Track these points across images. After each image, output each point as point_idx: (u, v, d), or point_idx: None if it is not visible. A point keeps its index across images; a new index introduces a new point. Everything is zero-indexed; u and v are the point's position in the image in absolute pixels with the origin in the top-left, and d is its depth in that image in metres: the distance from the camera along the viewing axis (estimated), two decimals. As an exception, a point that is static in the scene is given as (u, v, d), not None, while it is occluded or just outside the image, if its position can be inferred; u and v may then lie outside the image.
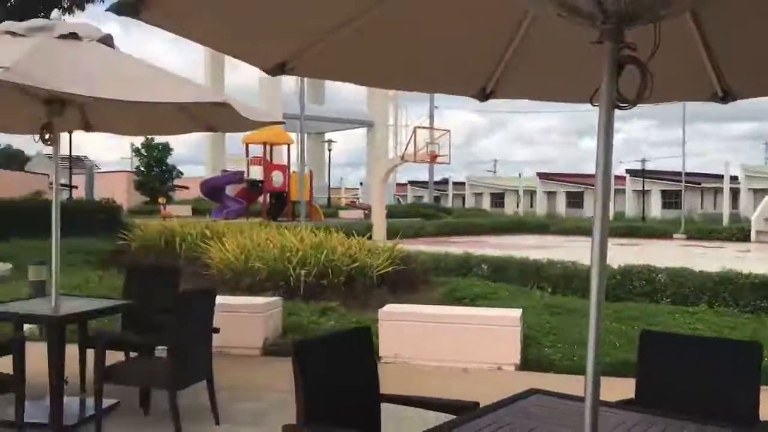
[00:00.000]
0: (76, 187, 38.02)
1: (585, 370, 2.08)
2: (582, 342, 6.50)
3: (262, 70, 3.00)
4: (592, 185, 2.16)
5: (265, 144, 29.86)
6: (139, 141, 48.76)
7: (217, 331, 4.74)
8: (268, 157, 30.57)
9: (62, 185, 50.15)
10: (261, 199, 30.76)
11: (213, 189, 31.50)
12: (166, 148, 46.52)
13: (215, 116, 5.33)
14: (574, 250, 14.58)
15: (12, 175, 47.67)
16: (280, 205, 30.73)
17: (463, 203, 69.78)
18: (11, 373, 4.34)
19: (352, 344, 3.05)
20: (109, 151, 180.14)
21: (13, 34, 4.47)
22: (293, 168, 31.94)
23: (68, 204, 24.19)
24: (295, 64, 2.99)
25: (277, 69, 2.99)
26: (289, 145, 32.29)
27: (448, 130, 27.36)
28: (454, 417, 2.63)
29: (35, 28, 4.53)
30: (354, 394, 2.96)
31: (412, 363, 6.14)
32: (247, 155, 31.13)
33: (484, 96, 3.45)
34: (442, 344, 6.22)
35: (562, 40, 2.83)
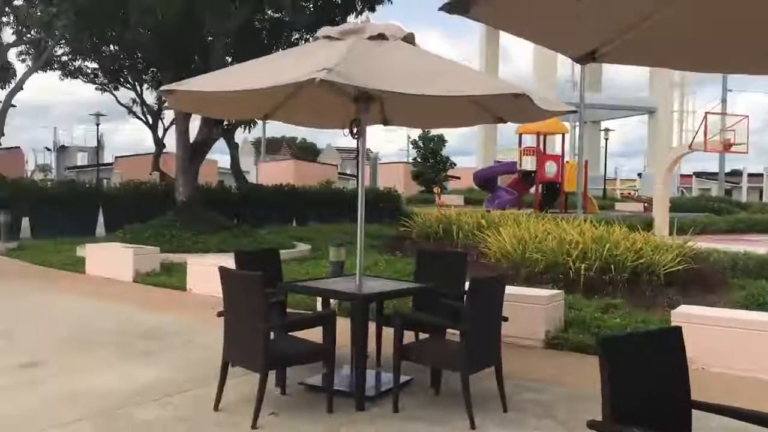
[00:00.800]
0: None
1: None
2: None
3: (572, 59, 2.97)
4: None
5: (538, 134, 29.58)
6: (415, 133, 51.24)
7: (506, 319, 4.80)
8: (541, 147, 30.24)
9: (348, 175, 54.65)
10: (533, 189, 30.54)
11: (485, 179, 32.03)
12: (441, 140, 48.31)
13: (506, 107, 5.40)
14: None
15: (307, 166, 53.23)
16: (552, 196, 30.21)
17: (761, 197, 62.19)
18: (321, 343, 4.86)
19: (661, 345, 2.88)
20: (388, 144, 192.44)
21: (330, 38, 4.95)
22: (566, 158, 31.20)
23: (355, 193, 26.34)
24: (606, 51, 2.90)
25: (587, 57, 2.93)
26: (563, 134, 31.59)
27: (746, 116, 24.51)
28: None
29: (348, 31, 4.97)
30: (663, 397, 2.79)
31: (711, 370, 5.64)
32: (520, 145, 31.09)
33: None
34: (748, 353, 5.62)
35: None
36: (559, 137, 32.17)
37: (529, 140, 30.91)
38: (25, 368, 5.70)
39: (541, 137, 30.19)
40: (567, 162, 30.54)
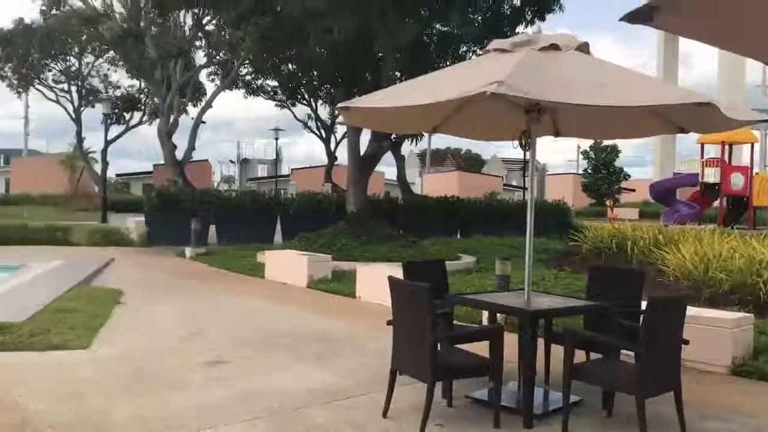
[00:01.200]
0: (527, 189, 40.41)
1: None
2: None
3: (768, 64, 2.74)
4: None
5: (723, 143, 27.48)
6: (586, 144, 49.60)
7: (686, 342, 4.50)
8: (726, 158, 28.06)
9: (513, 186, 53.99)
10: (717, 203, 28.39)
11: (663, 192, 30.24)
12: (614, 150, 46.37)
13: (688, 117, 5.08)
14: None
15: (472, 177, 53.27)
16: (739, 211, 27.89)
17: None
18: (487, 357, 4.83)
19: None
20: (556, 155, 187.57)
21: (502, 50, 4.94)
22: (756, 169, 28.72)
23: (522, 205, 25.94)
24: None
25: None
26: (752, 143, 29.11)
27: None
28: None
29: (519, 43, 4.93)
30: None
31: None
32: (702, 156, 29.04)
33: None
34: None
35: None
36: (747, 146, 29.70)
37: (712, 150, 28.81)
38: (212, 366, 6.18)
39: (726, 147, 28.01)
40: (756, 174, 28.09)
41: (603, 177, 47.02)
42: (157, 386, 5.48)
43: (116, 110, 36.62)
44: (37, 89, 37.77)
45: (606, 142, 45.03)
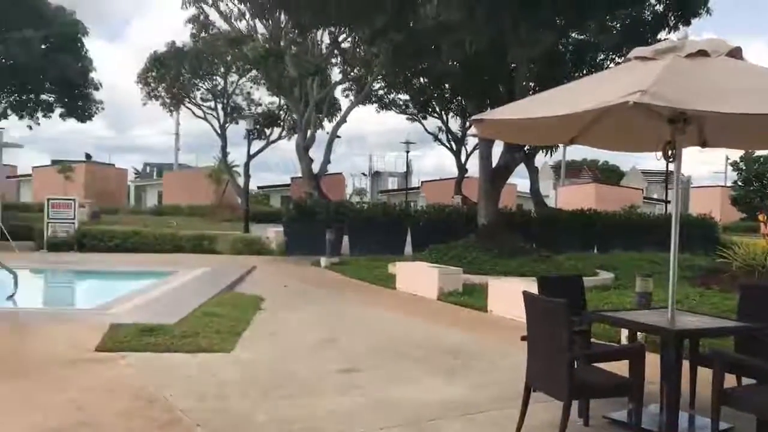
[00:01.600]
0: (669, 202, 38.40)
1: None
2: None
3: None
4: None
5: None
6: (736, 154, 46.48)
7: None
8: None
9: (654, 200, 51.44)
10: None
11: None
12: None
13: None
14: None
15: (610, 190, 51.33)
16: None
17: None
18: (627, 377, 4.62)
19: None
20: (702, 166, 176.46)
21: (643, 58, 4.74)
22: None
23: (663, 219, 24.66)
24: None
25: None
26: None
27: None
28: None
29: (663, 50, 4.71)
30: None
31: None
32: None
33: None
34: None
35: None
36: None
37: None
38: (346, 373, 6.34)
39: None
40: None
41: (755, 189, 43.82)
42: (294, 390, 5.69)
43: (258, 126, 38.43)
44: (186, 107, 40.42)
45: (759, 152, 41.94)
